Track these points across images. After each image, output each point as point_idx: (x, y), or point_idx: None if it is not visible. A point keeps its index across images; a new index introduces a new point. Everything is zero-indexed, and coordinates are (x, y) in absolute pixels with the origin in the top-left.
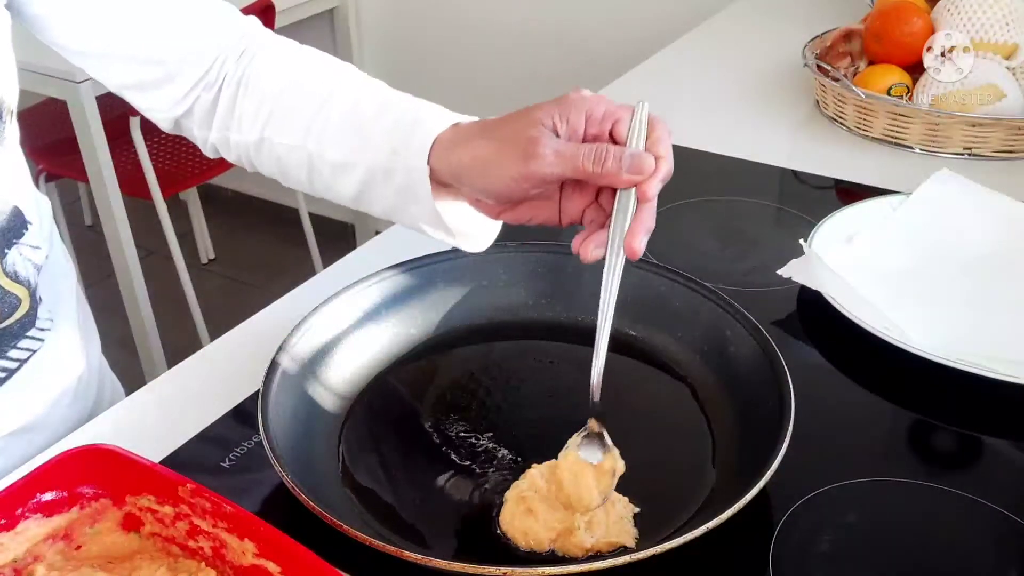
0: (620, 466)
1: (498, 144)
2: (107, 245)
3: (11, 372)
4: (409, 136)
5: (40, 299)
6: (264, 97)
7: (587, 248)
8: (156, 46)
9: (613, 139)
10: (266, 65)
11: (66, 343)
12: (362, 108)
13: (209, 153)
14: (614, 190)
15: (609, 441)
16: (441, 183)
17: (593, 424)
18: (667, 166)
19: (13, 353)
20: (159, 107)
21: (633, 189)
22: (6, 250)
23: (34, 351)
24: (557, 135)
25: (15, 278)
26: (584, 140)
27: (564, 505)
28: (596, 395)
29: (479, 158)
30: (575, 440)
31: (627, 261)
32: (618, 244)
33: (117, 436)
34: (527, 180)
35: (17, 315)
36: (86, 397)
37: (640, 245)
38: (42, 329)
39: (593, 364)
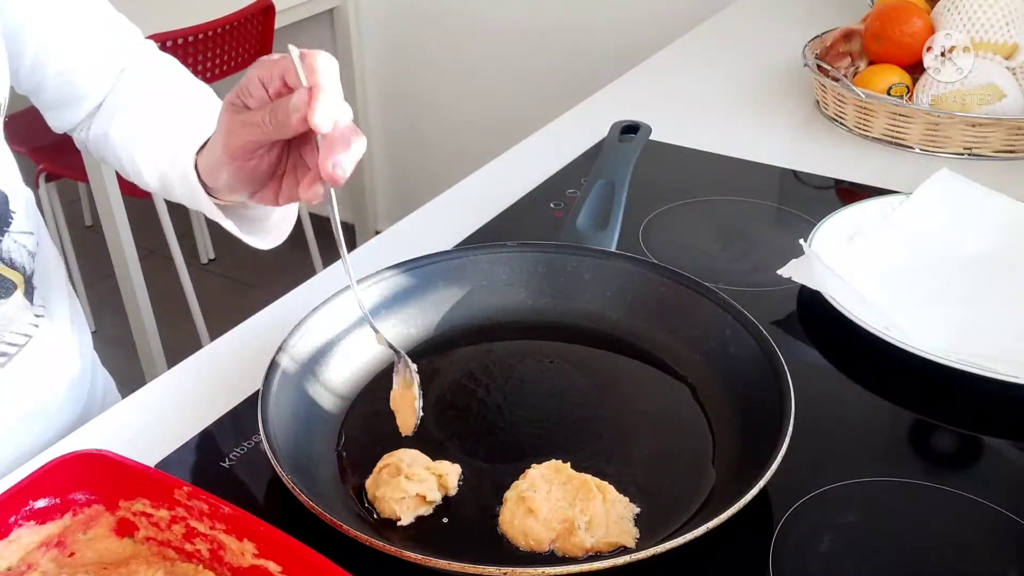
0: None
1: (214, 135)
2: (107, 245)
3: (10, 356)
4: (186, 144)
5: (35, 286)
6: (118, 101)
7: (301, 190)
8: (77, 71)
9: (289, 90)
10: (132, 77)
11: (59, 332)
12: (175, 124)
13: (78, 146)
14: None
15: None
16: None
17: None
18: (321, 92)
19: (10, 338)
20: (61, 120)
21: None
22: (0, 237)
23: (30, 336)
24: (248, 108)
25: (10, 264)
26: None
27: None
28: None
29: (206, 153)
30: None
31: (628, 265)
32: (325, 177)
33: (117, 437)
34: (235, 155)
35: (14, 300)
36: (81, 387)
37: (332, 170)
38: (37, 316)
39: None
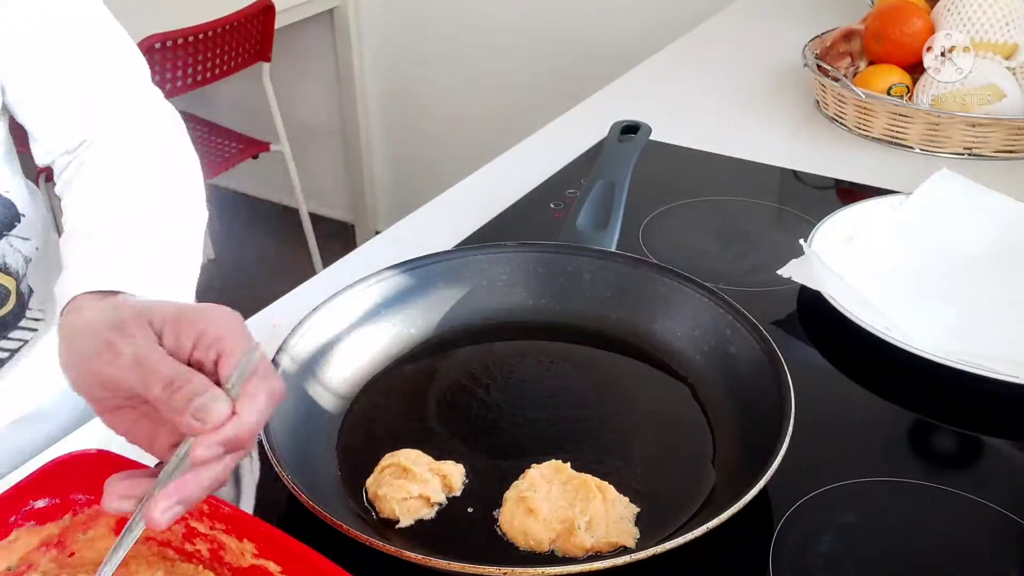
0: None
1: (94, 319)
2: None
3: (2, 362)
4: (68, 277)
5: (31, 290)
6: (86, 162)
7: (113, 494)
8: (36, 116)
9: (217, 375)
10: (111, 136)
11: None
12: (108, 223)
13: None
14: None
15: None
16: None
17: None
18: (236, 429)
19: (4, 343)
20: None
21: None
22: None
23: (26, 341)
24: (161, 343)
25: (4, 269)
26: (188, 364)
27: None
28: None
29: (74, 334)
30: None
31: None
32: (140, 507)
33: (117, 437)
34: (98, 381)
35: (8, 305)
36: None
37: (160, 516)
38: (35, 319)
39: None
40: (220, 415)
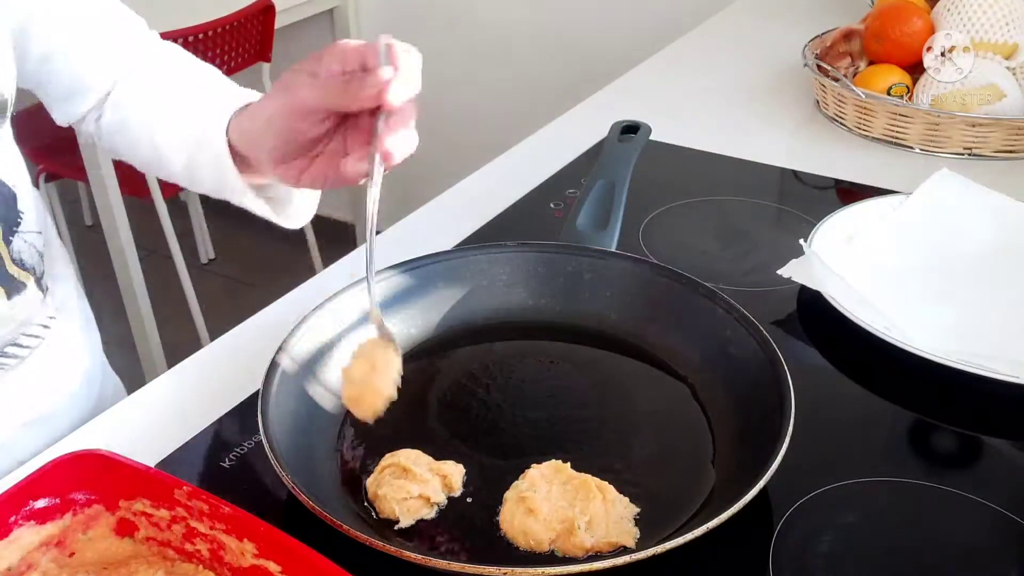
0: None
1: (265, 97)
2: (107, 245)
3: (22, 359)
4: (217, 116)
5: (46, 287)
6: (132, 90)
7: (349, 163)
8: (84, 65)
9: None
10: (142, 65)
11: (70, 334)
12: (200, 99)
13: (84, 138)
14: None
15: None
16: (247, 161)
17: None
18: (405, 74)
19: (23, 340)
20: (64, 113)
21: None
22: (10, 237)
23: (42, 339)
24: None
25: (21, 265)
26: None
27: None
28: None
29: (253, 112)
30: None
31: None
32: (378, 158)
33: (117, 437)
34: (291, 114)
35: (26, 301)
36: (91, 390)
37: (392, 148)
38: (50, 317)
39: (368, 268)
40: (387, 72)
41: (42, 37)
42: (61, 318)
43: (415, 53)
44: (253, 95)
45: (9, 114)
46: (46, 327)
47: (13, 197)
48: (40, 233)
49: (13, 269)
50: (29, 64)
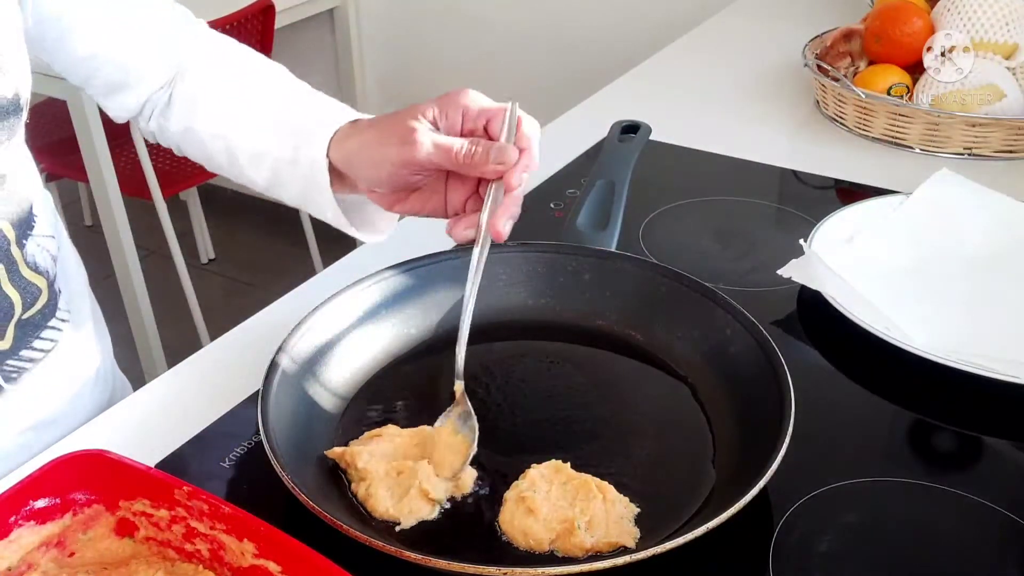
0: (474, 448)
1: (381, 133)
2: (107, 245)
3: (36, 362)
4: (313, 130)
5: (59, 290)
6: (196, 89)
7: (458, 228)
8: (129, 56)
9: (488, 135)
10: (201, 60)
11: (83, 336)
12: (278, 104)
13: (146, 136)
14: (488, 181)
15: (474, 418)
16: (341, 176)
17: (459, 387)
18: (529, 159)
19: (37, 344)
20: (117, 107)
21: (501, 180)
22: (24, 241)
23: (56, 341)
24: (437, 128)
25: (35, 268)
26: (461, 135)
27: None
28: (461, 361)
29: (365, 145)
30: (449, 412)
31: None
32: (485, 228)
33: (116, 437)
34: (406, 166)
35: (39, 305)
36: (103, 392)
37: (503, 228)
38: (62, 320)
39: (459, 338)
40: (513, 154)
41: (87, 28)
42: (73, 320)
43: (536, 128)
44: (347, 112)
45: (24, 116)
46: (58, 330)
47: (28, 202)
48: (53, 237)
49: (27, 273)
50: (73, 56)
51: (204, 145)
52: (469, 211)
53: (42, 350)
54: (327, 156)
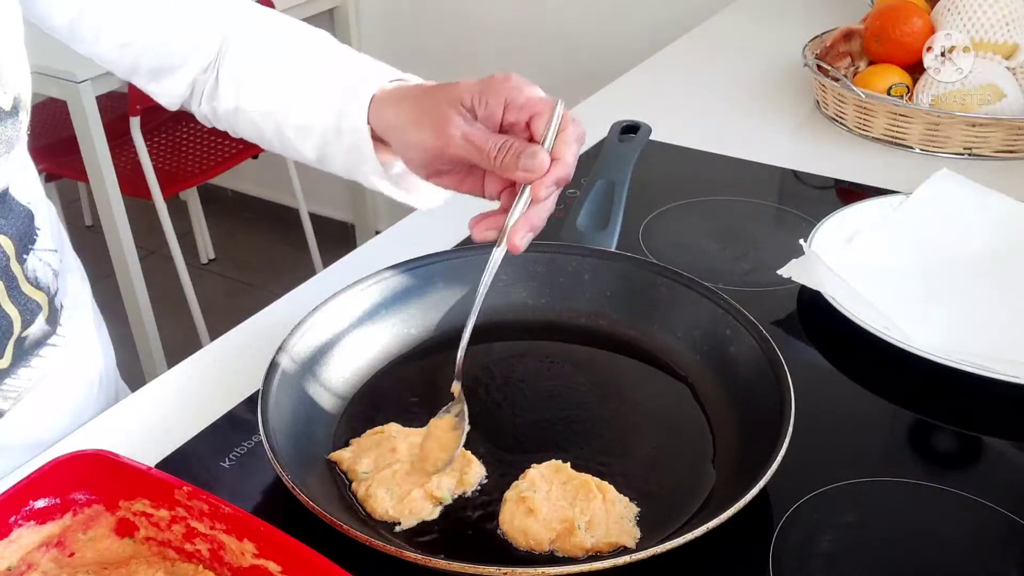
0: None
1: (417, 113)
2: (107, 245)
3: (36, 381)
4: (352, 96)
5: (60, 306)
6: (241, 68)
7: (479, 228)
8: (168, 39)
9: (529, 130)
10: (243, 38)
11: (84, 351)
12: (320, 74)
13: (202, 121)
14: None
15: (466, 420)
16: (385, 142)
17: (456, 387)
18: (562, 170)
19: (35, 362)
20: (165, 93)
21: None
22: (25, 256)
23: (56, 359)
24: (475, 116)
25: (36, 284)
26: (501, 126)
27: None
28: (460, 360)
29: (400, 122)
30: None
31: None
32: (507, 233)
33: (116, 437)
34: (435, 155)
35: (38, 322)
36: (106, 404)
37: (520, 241)
38: (62, 336)
39: (463, 334)
40: (544, 163)
41: (117, 20)
42: (76, 330)
43: (579, 135)
44: (387, 71)
45: (26, 124)
46: (59, 348)
47: (30, 215)
48: (55, 251)
49: (28, 289)
50: (110, 45)
51: (256, 125)
52: (504, 201)
53: (40, 368)
54: (368, 124)
